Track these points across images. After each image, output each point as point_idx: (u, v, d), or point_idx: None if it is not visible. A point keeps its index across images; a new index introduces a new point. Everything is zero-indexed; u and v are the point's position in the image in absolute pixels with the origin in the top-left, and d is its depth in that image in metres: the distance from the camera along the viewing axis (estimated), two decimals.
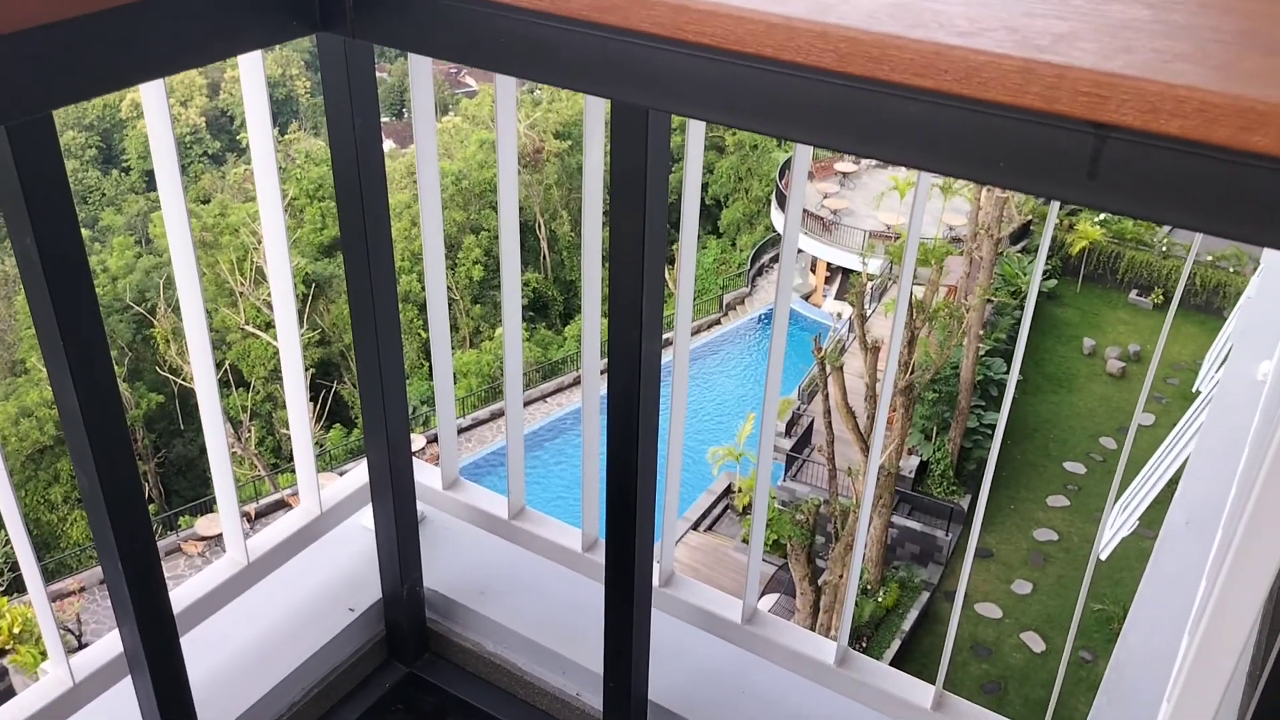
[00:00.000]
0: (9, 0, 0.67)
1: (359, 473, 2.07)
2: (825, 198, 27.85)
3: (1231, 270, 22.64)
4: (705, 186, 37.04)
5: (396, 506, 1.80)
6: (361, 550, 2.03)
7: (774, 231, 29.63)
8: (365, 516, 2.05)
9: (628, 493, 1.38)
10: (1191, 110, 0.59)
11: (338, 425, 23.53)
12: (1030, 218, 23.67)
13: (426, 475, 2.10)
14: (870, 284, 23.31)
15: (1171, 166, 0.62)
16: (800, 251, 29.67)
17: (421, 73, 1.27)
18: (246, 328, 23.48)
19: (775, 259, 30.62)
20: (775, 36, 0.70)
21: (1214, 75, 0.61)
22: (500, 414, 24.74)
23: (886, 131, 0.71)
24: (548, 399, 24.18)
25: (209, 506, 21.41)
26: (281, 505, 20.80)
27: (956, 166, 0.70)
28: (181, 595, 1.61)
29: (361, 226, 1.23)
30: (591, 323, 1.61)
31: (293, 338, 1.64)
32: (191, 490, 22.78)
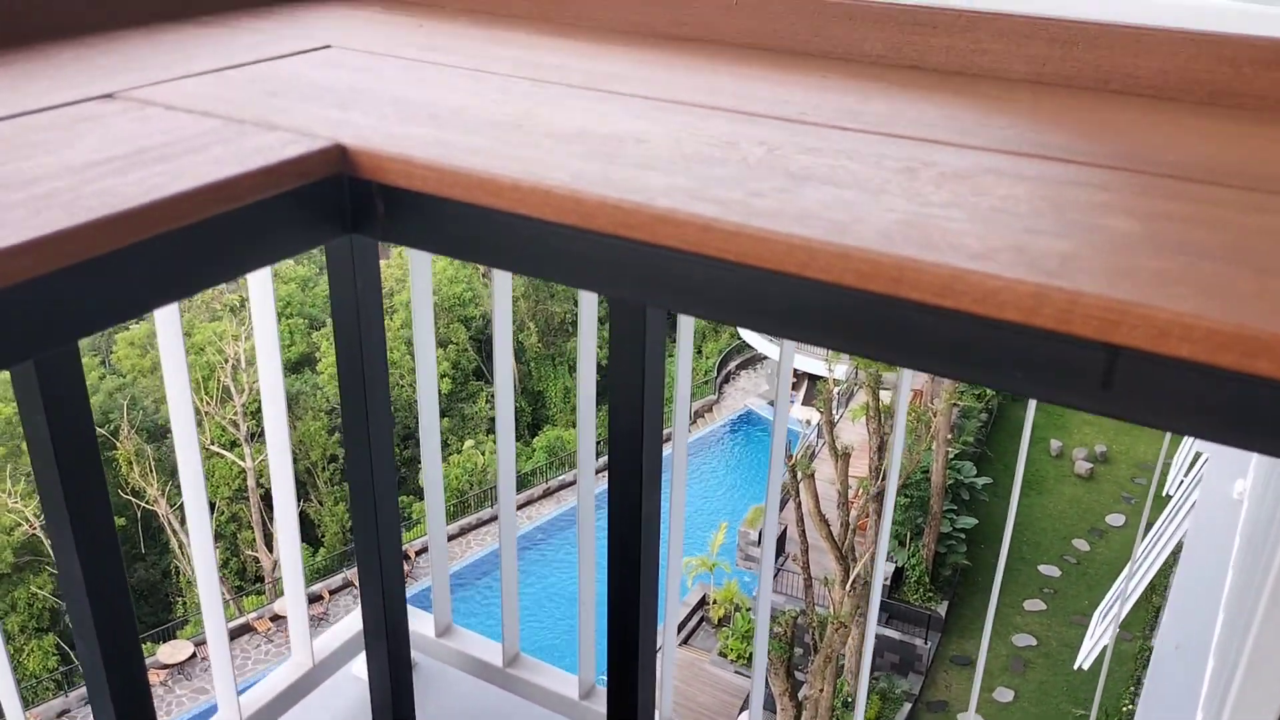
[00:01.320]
0: (46, 243, 0.70)
1: (350, 621, 2.05)
2: None
3: None
4: None
5: (391, 656, 1.79)
6: (353, 702, 2.00)
7: (739, 339, 29.95)
8: (357, 665, 2.02)
9: (629, 638, 1.38)
10: (1198, 337, 0.63)
11: (304, 545, 23.08)
12: None
13: (419, 622, 2.08)
14: (837, 390, 23.52)
15: (1182, 383, 0.66)
16: (764, 358, 29.94)
17: (421, 263, 1.32)
18: (212, 447, 23.18)
19: (742, 366, 30.90)
20: (797, 257, 0.75)
21: (1214, 300, 0.65)
22: (469, 528, 24.42)
23: (906, 341, 0.75)
24: (516, 511, 23.91)
25: (171, 633, 20.71)
26: (247, 630, 20.20)
27: (976, 374, 0.74)
28: None
29: (364, 410, 1.25)
30: (586, 488, 1.63)
31: (289, 505, 1.64)
32: (153, 615, 22.08)
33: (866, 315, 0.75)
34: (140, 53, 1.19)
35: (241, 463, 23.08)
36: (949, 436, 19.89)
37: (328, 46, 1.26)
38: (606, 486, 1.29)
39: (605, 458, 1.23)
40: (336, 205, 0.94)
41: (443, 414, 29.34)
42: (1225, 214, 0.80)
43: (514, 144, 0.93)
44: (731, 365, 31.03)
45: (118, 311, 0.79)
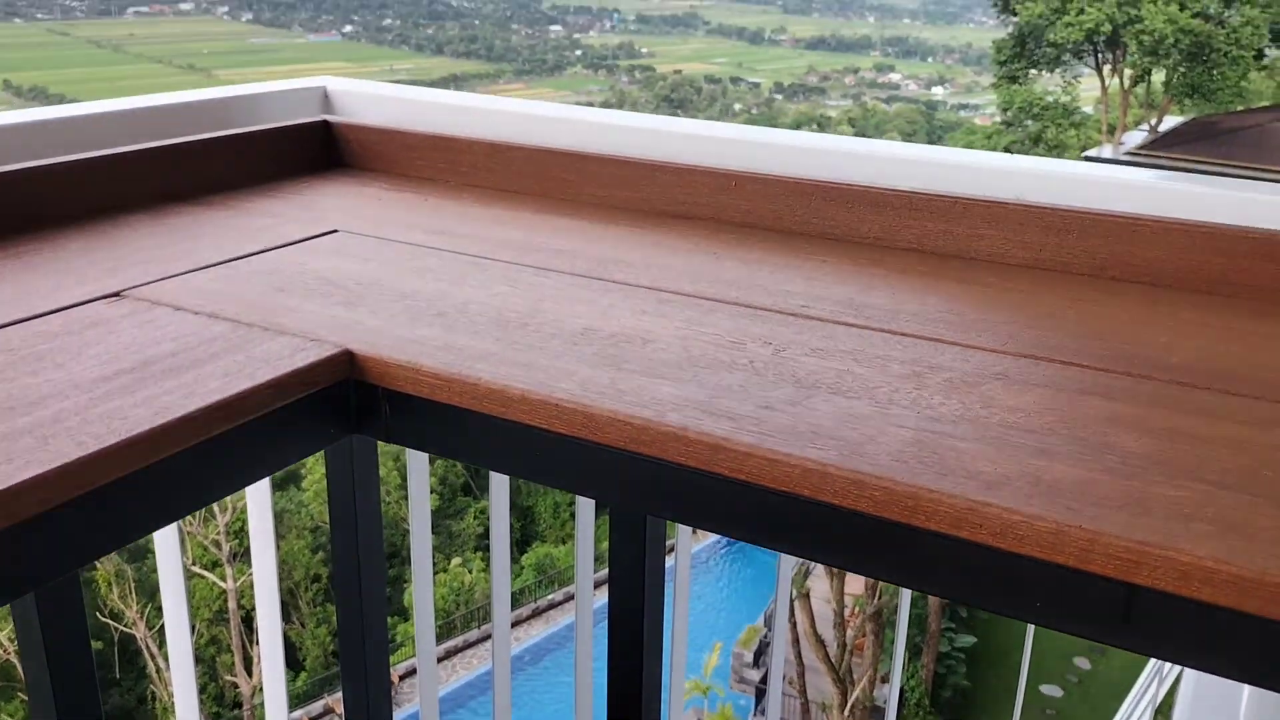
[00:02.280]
0: (52, 478, 0.69)
1: None
2: None
3: None
4: None
5: None
6: None
7: None
8: None
9: None
10: (1220, 581, 0.63)
11: (286, 669, 22.41)
12: None
13: None
14: None
15: (1204, 622, 0.65)
16: None
17: (419, 461, 1.31)
18: (193, 568, 22.73)
19: None
20: (810, 480, 0.74)
21: (1235, 539, 0.65)
22: (454, 651, 23.80)
23: (921, 567, 0.74)
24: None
25: None
26: None
27: (994, 603, 0.73)
28: None
29: (358, 598, 1.23)
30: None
31: (275, 630, 1.60)
32: None
33: (881, 540, 0.74)
34: (148, 242, 1.20)
35: (223, 583, 22.62)
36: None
37: (334, 231, 1.27)
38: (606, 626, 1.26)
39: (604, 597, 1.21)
40: (342, 408, 0.93)
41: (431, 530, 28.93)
42: (1237, 430, 0.80)
43: (521, 346, 0.93)
44: None
45: (120, 536, 0.78)
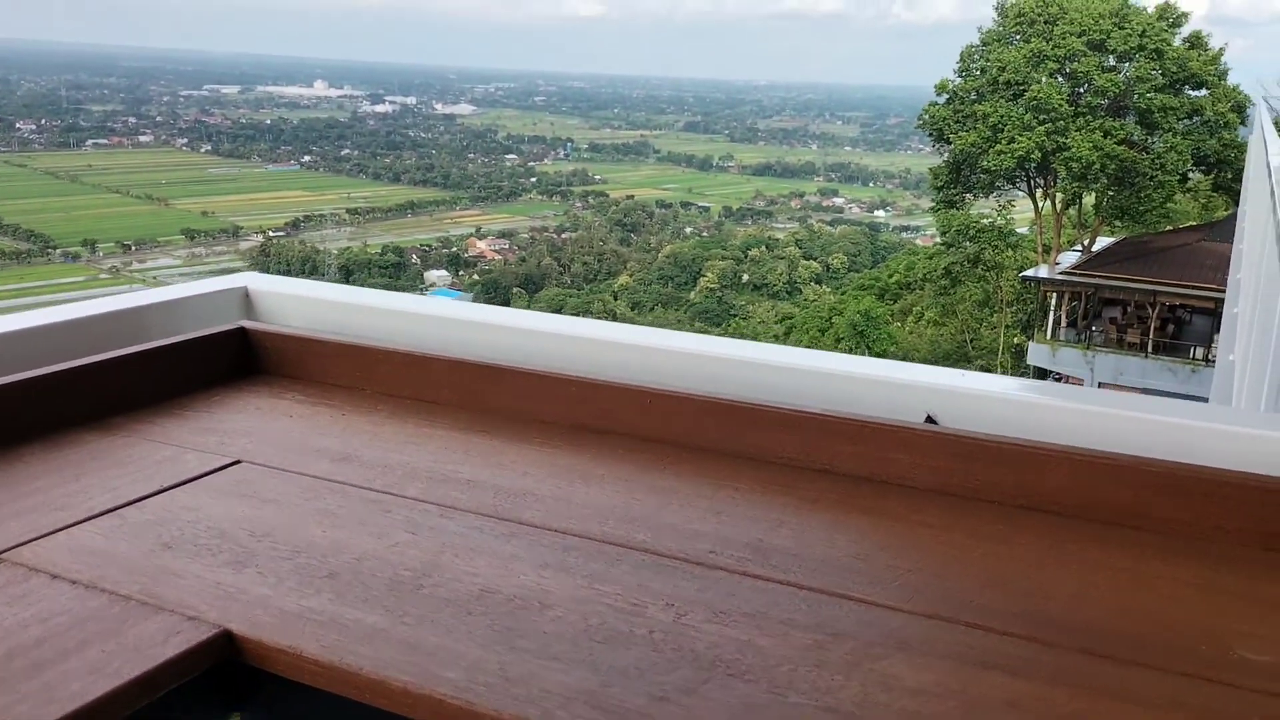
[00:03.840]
0: None
1: None
2: None
3: None
4: None
5: None
6: None
7: None
8: None
9: None
10: None
11: None
12: None
13: None
14: None
15: None
16: None
17: None
18: None
19: None
20: None
21: None
22: None
23: None
24: None
25: None
26: None
27: None
28: None
29: None
30: None
31: None
32: None
33: None
34: (39, 483, 1.16)
35: None
36: None
37: (237, 463, 1.24)
38: None
39: None
40: (222, 689, 0.89)
41: None
42: (1141, 717, 0.78)
43: (411, 620, 0.90)
44: None
45: None
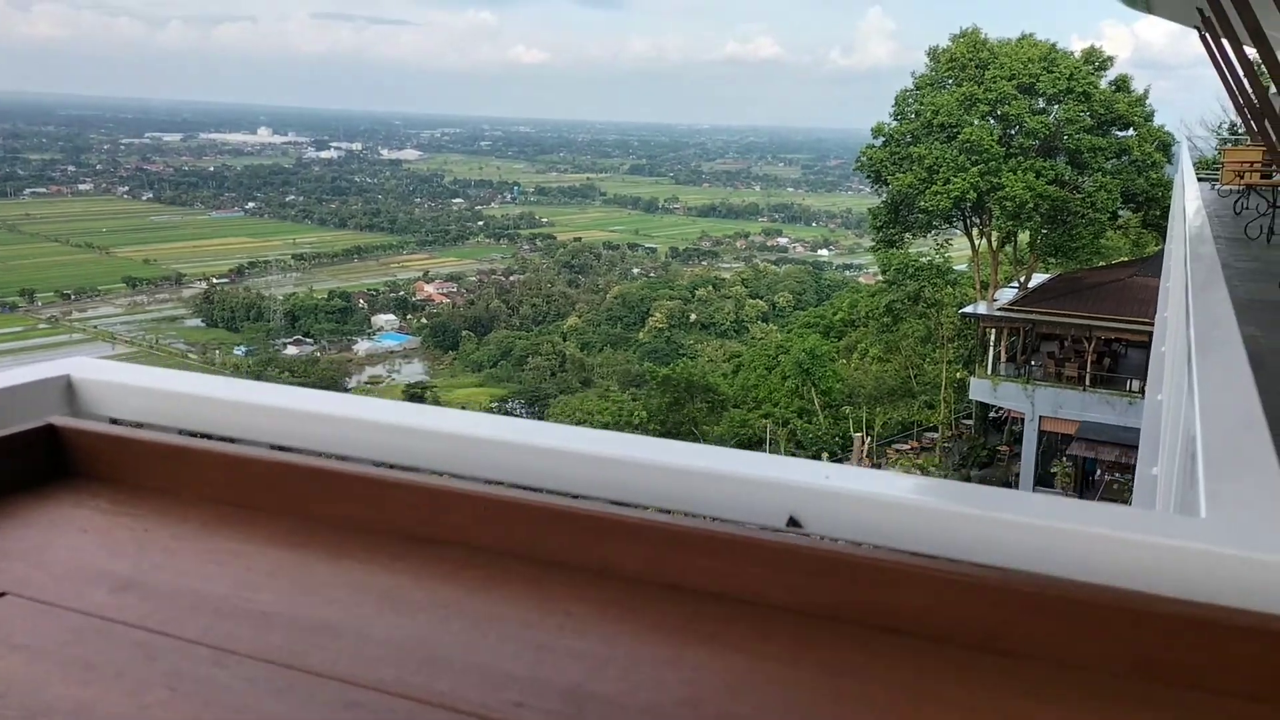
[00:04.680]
0: None
1: None
2: None
3: None
4: None
5: None
6: None
7: None
8: None
9: None
10: None
11: None
12: None
13: None
14: None
15: None
16: None
17: None
18: None
19: None
20: None
21: None
22: None
23: None
24: None
25: None
26: None
27: None
28: None
29: None
30: None
31: None
32: None
33: None
34: None
35: None
36: None
37: (3, 595, 1.08)
38: None
39: None
40: None
41: None
42: None
43: None
44: None
45: None
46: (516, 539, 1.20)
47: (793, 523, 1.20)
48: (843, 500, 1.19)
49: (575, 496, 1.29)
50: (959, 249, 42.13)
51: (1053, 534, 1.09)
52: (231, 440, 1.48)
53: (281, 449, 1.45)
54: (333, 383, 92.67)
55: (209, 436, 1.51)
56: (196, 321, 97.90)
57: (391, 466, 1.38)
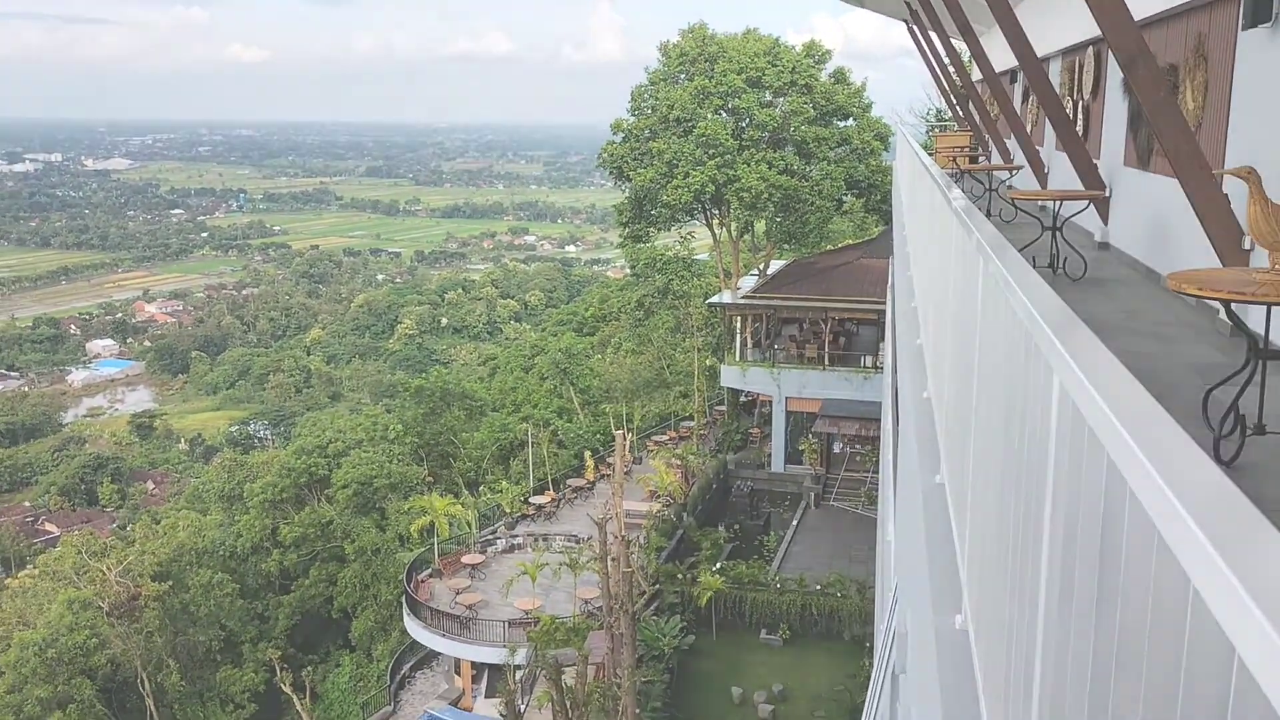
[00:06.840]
0: None
1: None
2: (458, 594, 26.98)
3: (840, 595, 24.46)
4: (331, 599, 34.70)
5: None
6: None
7: (410, 636, 27.97)
8: None
9: None
10: None
11: None
12: (658, 584, 24.40)
13: None
14: (520, 674, 22.40)
15: None
16: (438, 655, 27.99)
17: None
18: None
19: (416, 667, 28.63)
20: None
21: None
22: None
23: None
24: None
25: None
26: None
27: None
28: None
29: None
30: None
31: None
32: None
33: None
34: None
35: None
36: (636, 711, 19.30)
37: None
38: None
39: None
40: None
41: None
42: None
43: None
44: (405, 668, 28.73)
45: None
46: None
47: None
48: None
49: None
50: (701, 240, 43.57)
51: None
52: None
53: None
54: (46, 419, 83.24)
55: None
56: None
57: None
